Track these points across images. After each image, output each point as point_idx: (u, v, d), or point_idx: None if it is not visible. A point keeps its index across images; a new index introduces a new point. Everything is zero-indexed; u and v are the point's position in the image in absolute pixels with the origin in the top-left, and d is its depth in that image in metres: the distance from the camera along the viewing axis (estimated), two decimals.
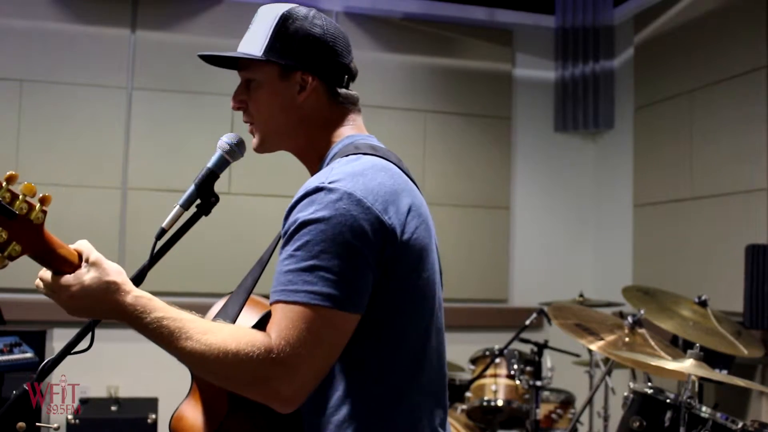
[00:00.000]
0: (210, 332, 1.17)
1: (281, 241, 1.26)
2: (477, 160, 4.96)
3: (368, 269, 1.20)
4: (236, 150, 1.41)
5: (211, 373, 1.19)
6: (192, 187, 1.37)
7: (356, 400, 1.26)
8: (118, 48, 4.45)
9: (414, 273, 1.28)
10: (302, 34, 1.37)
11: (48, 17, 4.37)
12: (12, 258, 1.12)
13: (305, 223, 1.19)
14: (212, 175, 1.38)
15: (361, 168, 1.27)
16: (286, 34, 1.37)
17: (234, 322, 1.30)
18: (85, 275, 1.19)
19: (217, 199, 1.39)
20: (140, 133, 4.46)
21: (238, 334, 1.17)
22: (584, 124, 5.00)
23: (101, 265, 1.21)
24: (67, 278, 1.20)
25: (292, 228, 1.21)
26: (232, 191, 4.37)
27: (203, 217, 1.39)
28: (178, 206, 1.35)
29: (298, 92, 1.38)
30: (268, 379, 1.15)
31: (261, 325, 1.32)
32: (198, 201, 1.38)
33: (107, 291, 1.19)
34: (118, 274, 1.21)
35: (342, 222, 1.18)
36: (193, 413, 1.32)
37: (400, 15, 4.88)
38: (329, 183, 1.22)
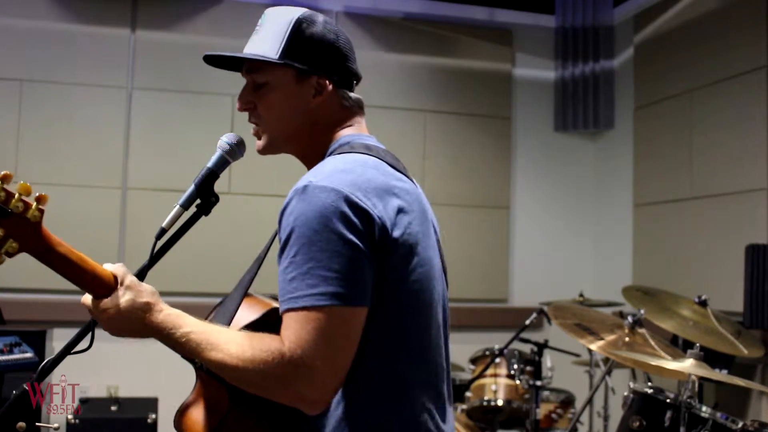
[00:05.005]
0: (232, 342, 1.22)
1: (279, 244, 1.26)
2: (477, 160, 4.96)
3: (365, 260, 1.22)
4: (236, 150, 1.42)
5: (236, 380, 1.23)
6: (192, 187, 1.38)
7: (357, 397, 1.27)
8: (118, 48, 4.45)
9: (408, 268, 1.28)
10: (318, 39, 1.39)
11: (48, 17, 4.37)
12: (9, 255, 1.16)
13: (297, 226, 1.21)
14: (212, 174, 1.39)
15: (350, 165, 1.29)
16: (302, 38, 1.38)
17: (231, 318, 1.33)
18: (121, 298, 1.25)
19: (217, 198, 1.40)
20: (140, 133, 4.46)
21: (253, 341, 1.21)
22: (584, 124, 5.00)
23: (135, 287, 1.27)
24: (105, 302, 1.25)
25: (286, 233, 1.23)
26: (232, 191, 4.37)
27: (203, 217, 1.39)
28: (178, 206, 1.36)
29: (313, 96, 1.40)
30: (287, 383, 1.18)
31: (261, 322, 1.33)
32: (198, 201, 1.38)
33: (141, 311, 1.25)
34: (151, 294, 1.28)
35: (332, 219, 1.20)
36: (196, 410, 1.35)
37: (400, 15, 4.88)
38: (316, 181, 1.24)
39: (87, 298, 1.28)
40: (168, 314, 1.26)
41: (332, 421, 1.27)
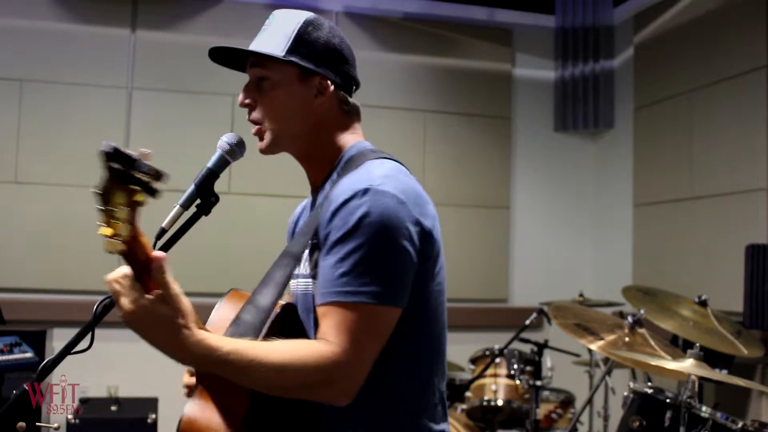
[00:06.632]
0: (275, 355, 1.20)
1: (325, 237, 1.29)
2: (477, 160, 4.96)
3: (412, 267, 1.30)
4: (236, 150, 1.42)
5: (278, 390, 1.24)
6: (192, 187, 1.38)
7: (390, 388, 1.34)
8: (118, 48, 4.45)
9: (437, 270, 1.38)
10: (323, 42, 1.43)
11: (48, 17, 4.37)
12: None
13: (360, 225, 1.25)
14: (212, 174, 1.40)
15: (394, 172, 1.35)
16: (309, 39, 1.41)
17: (269, 315, 1.31)
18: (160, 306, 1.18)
19: (217, 198, 1.40)
20: (140, 133, 4.46)
21: (298, 350, 1.22)
22: (584, 124, 5.00)
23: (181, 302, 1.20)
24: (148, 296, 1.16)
25: (344, 229, 1.26)
26: (232, 191, 4.36)
27: (203, 217, 1.39)
28: (178, 206, 1.37)
29: (315, 96, 1.42)
30: (332, 383, 1.23)
31: (278, 319, 1.33)
32: (198, 201, 1.39)
33: (176, 327, 1.17)
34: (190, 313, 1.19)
35: (392, 224, 1.27)
36: (207, 414, 1.29)
37: (400, 15, 4.88)
38: (376, 185, 1.28)
39: (128, 271, 1.16)
40: (204, 336, 1.18)
41: (365, 410, 1.33)
